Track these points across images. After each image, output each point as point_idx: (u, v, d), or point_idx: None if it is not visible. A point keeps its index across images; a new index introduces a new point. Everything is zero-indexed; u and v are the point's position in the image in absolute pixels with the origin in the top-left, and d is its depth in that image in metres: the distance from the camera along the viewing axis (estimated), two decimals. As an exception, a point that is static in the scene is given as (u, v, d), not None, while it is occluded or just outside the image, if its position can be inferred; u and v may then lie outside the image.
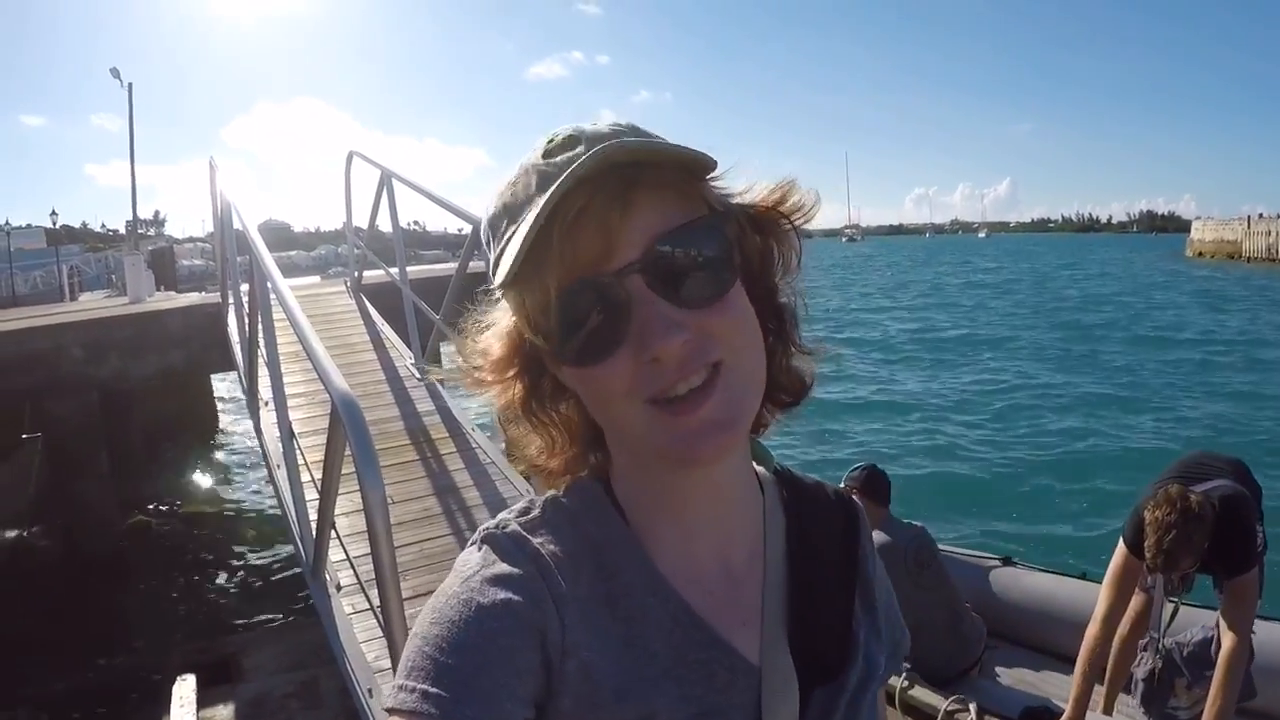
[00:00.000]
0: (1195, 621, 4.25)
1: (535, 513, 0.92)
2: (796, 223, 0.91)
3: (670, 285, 0.79)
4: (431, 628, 0.80)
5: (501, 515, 0.93)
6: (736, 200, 0.87)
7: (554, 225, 0.76)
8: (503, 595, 0.81)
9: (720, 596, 0.93)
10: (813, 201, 0.90)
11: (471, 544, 0.90)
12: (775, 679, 0.91)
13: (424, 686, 0.76)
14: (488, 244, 0.87)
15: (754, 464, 1.01)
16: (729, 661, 0.89)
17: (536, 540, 0.88)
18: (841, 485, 3.88)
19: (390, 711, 0.76)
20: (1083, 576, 5.66)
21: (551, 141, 0.83)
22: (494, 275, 0.83)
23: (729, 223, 0.84)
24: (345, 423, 3.56)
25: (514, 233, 0.80)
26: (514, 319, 0.87)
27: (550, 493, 0.96)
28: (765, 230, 0.90)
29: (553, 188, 0.75)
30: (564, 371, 0.86)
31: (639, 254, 0.78)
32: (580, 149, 0.80)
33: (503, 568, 0.84)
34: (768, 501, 1.01)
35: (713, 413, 0.80)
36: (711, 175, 0.85)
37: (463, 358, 0.92)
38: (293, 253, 71.12)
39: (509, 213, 0.83)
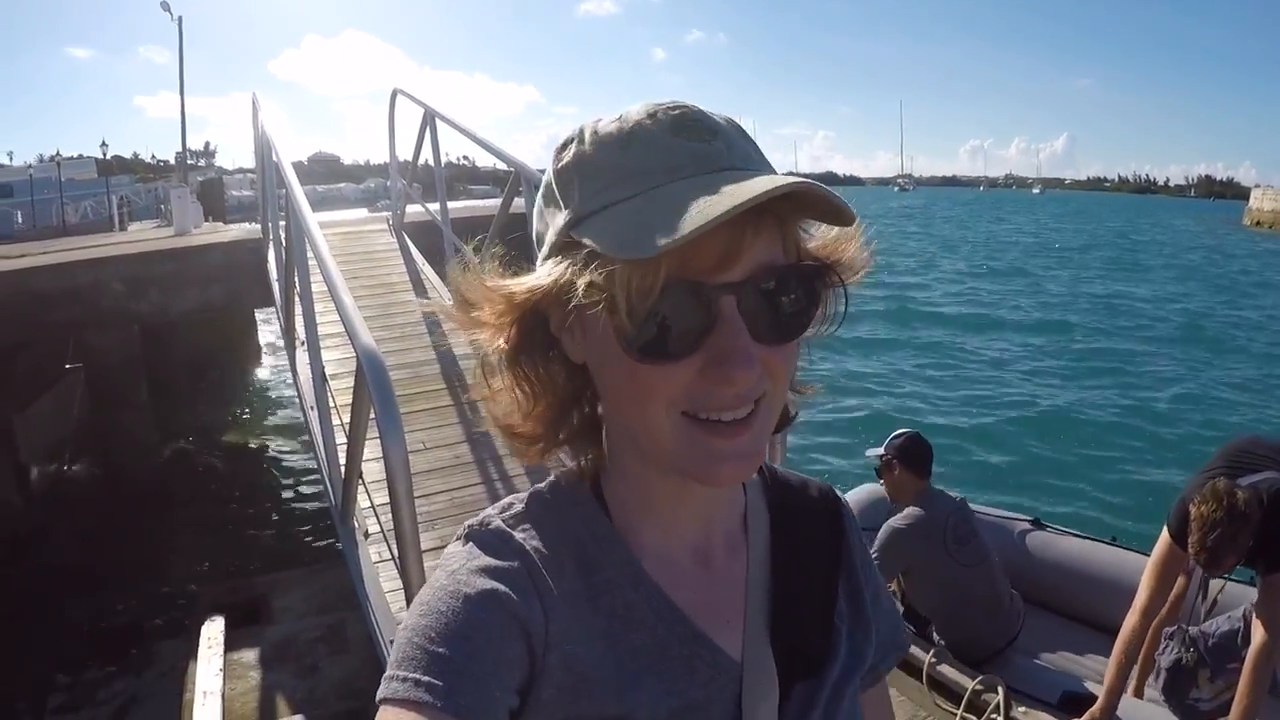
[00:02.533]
0: (1239, 599, 4.18)
1: (518, 508, 0.93)
2: (846, 279, 0.89)
3: (756, 316, 0.78)
4: (420, 619, 0.80)
5: (485, 512, 0.94)
6: (806, 244, 0.87)
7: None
8: (488, 586, 0.82)
9: (703, 593, 0.94)
10: (864, 262, 0.90)
11: (456, 539, 0.91)
12: (756, 674, 0.93)
13: (415, 675, 0.76)
14: (567, 185, 0.84)
15: None
16: (711, 657, 0.91)
17: (519, 536, 0.89)
18: (881, 452, 3.77)
19: (383, 702, 0.77)
20: (1113, 541, 5.62)
21: (679, 114, 0.82)
22: (600, 234, 0.78)
23: (819, 277, 0.85)
24: (369, 381, 3.47)
25: (637, 204, 0.77)
26: (561, 282, 0.81)
27: (534, 489, 0.97)
28: (821, 282, 0.88)
29: (727, 206, 0.70)
30: (606, 361, 0.83)
31: (742, 277, 0.77)
32: (719, 145, 0.81)
33: (487, 561, 0.85)
34: (750, 501, 1.04)
35: (745, 445, 0.81)
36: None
37: (465, 293, 0.88)
38: (341, 185, 71.65)
39: (620, 172, 0.80)
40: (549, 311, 0.85)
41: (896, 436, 4.91)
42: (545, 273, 0.83)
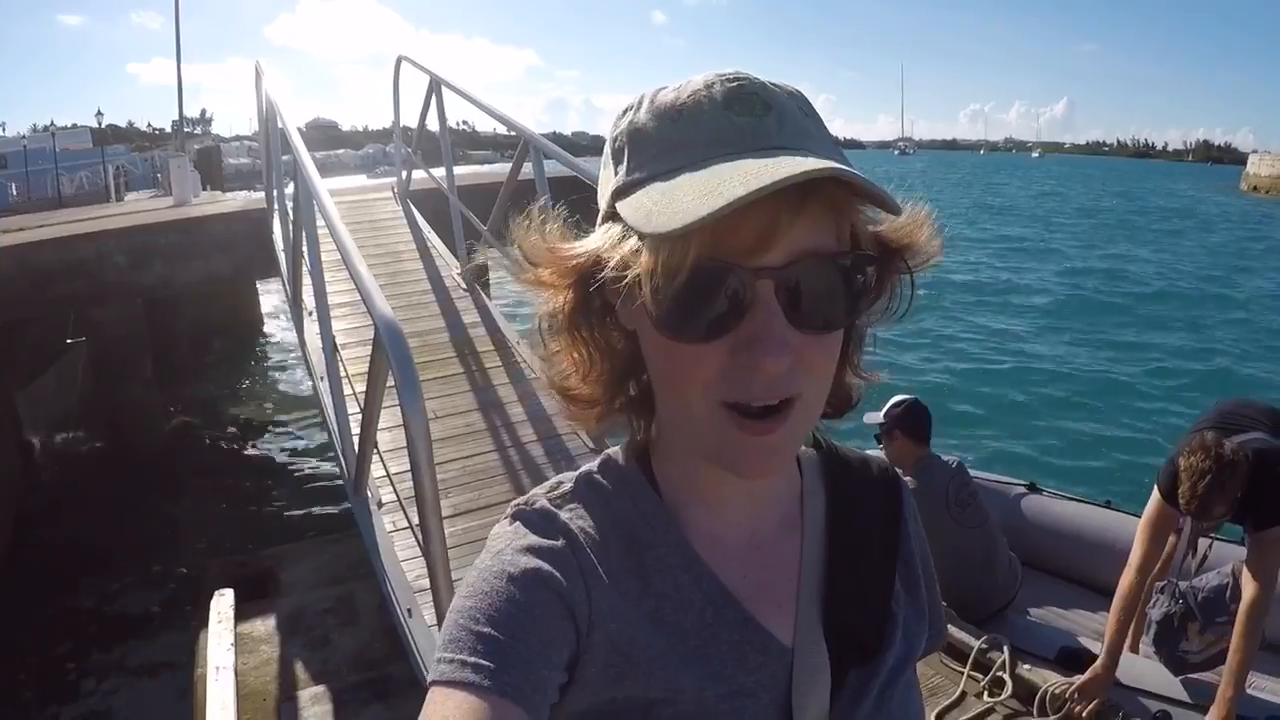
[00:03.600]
0: (1228, 557, 4.23)
1: (566, 487, 0.94)
2: (915, 268, 0.87)
3: (795, 303, 0.76)
4: (466, 601, 0.81)
5: (532, 491, 0.94)
6: (871, 228, 0.84)
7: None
8: (533, 566, 0.83)
9: (754, 577, 0.93)
10: (934, 250, 0.87)
11: (503, 519, 0.91)
12: (807, 662, 0.91)
13: (463, 657, 0.76)
14: (620, 152, 0.83)
15: None
16: (761, 643, 0.90)
17: (564, 515, 0.90)
18: (881, 418, 3.72)
19: (433, 684, 0.76)
20: (1107, 505, 5.69)
21: (735, 86, 0.79)
22: (634, 208, 0.77)
23: (873, 266, 0.82)
24: (389, 350, 3.44)
25: (673, 179, 0.76)
26: (602, 252, 0.82)
27: (584, 468, 0.97)
28: (883, 265, 0.85)
29: (747, 190, 0.68)
30: (647, 335, 0.83)
31: (783, 261, 0.75)
32: (770, 121, 0.78)
33: (532, 540, 0.86)
34: (806, 482, 1.02)
35: (777, 440, 0.80)
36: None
37: (528, 252, 0.87)
38: (340, 151, 72.01)
39: (667, 143, 0.79)
40: (600, 278, 0.83)
41: (896, 405, 4.85)
42: (593, 240, 0.84)
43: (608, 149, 0.86)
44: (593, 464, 0.97)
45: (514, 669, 0.76)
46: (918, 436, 4.80)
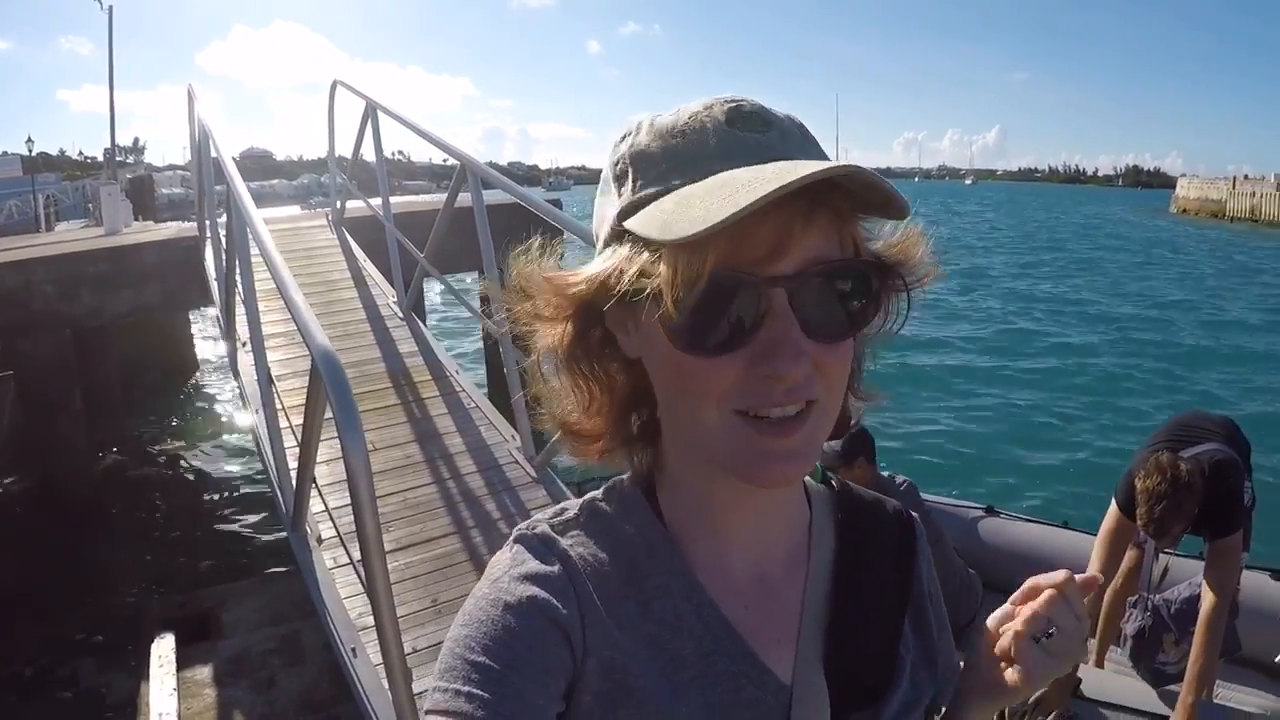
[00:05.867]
0: (1186, 574, 4.34)
1: (569, 514, 0.93)
2: (912, 286, 0.86)
3: (809, 311, 0.76)
4: (463, 630, 0.82)
5: (535, 516, 0.94)
6: (868, 243, 0.84)
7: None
8: (529, 593, 0.83)
9: (757, 610, 0.92)
10: (930, 266, 0.86)
11: (505, 546, 0.91)
12: (806, 699, 0.90)
13: (457, 686, 0.77)
14: (622, 175, 0.83)
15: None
16: (759, 676, 0.89)
17: (565, 541, 0.89)
18: (838, 446, 3.66)
19: (429, 713, 0.77)
20: (1065, 525, 5.79)
21: (735, 106, 0.81)
22: (647, 220, 0.76)
23: (877, 276, 0.82)
24: (327, 383, 3.31)
25: (684, 189, 0.76)
26: (612, 272, 0.80)
27: (588, 495, 0.96)
28: (881, 280, 0.85)
29: (771, 188, 0.67)
30: (656, 354, 0.82)
31: (795, 270, 0.75)
32: (774, 135, 0.79)
33: (530, 567, 0.86)
34: (816, 517, 1.01)
35: (795, 445, 0.78)
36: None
37: (524, 285, 0.87)
38: (274, 181, 71.88)
39: (672, 160, 0.79)
40: (603, 306, 0.82)
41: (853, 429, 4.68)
42: (597, 264, 0.83)
43: (607, 174, 0.85)
44: (598, 491, 0.97)
45: (509, 699, 0.77)
46: (873, 458, 4.71)
